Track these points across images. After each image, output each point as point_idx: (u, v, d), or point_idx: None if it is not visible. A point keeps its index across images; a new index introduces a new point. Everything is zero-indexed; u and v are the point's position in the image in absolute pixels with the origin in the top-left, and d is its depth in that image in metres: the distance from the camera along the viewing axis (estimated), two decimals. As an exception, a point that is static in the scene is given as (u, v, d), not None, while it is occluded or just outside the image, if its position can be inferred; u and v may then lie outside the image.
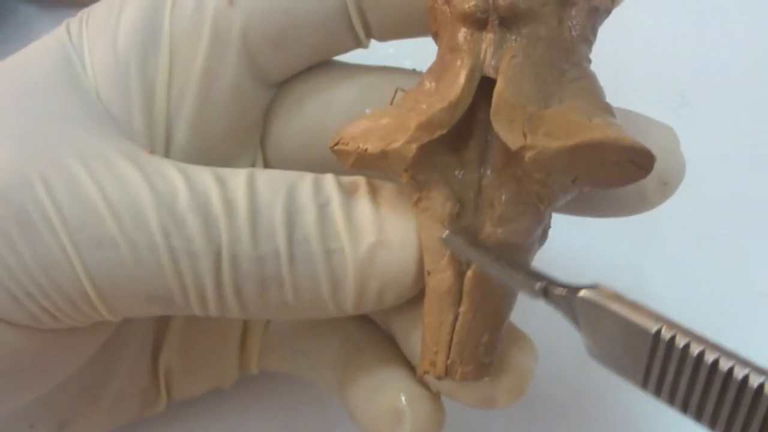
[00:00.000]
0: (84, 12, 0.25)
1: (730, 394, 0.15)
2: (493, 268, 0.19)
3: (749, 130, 0.39)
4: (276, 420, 0.32)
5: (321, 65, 0.25)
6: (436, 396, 0.24)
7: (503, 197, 0.20)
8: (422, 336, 0.21)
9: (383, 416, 0.24)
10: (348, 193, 0.22)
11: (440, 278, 0.21)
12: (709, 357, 0.15)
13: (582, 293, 0.17)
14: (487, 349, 0.21)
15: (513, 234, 0.20)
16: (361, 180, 0.22)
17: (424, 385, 0.24)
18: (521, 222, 0.20)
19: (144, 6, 0.24)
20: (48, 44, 0.24)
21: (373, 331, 0.26)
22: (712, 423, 0.16)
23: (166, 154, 0.24)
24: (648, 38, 0.41)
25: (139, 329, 0.28)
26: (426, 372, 0.21)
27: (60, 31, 0.25)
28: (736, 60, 0.40)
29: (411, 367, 0.25)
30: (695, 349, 0.16)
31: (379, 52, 0.27)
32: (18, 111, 0.22)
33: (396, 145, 0.20)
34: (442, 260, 0.20)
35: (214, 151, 0.25)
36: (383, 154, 0.20)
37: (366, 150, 0.20)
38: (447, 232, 0.20)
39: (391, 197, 0.22)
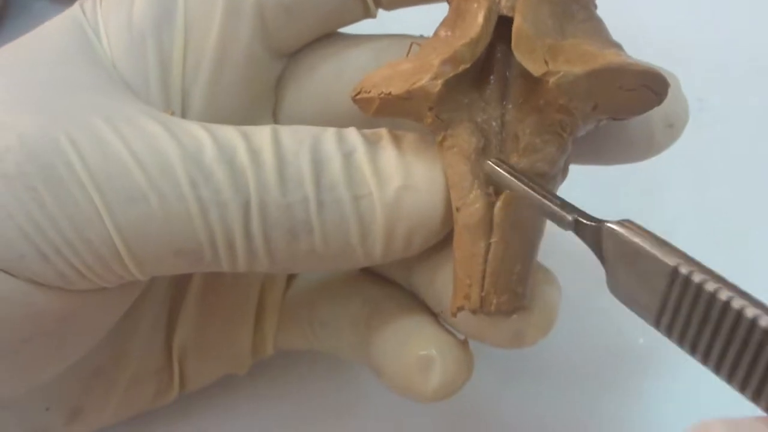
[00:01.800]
0: None
1: (739, 335, 0.15)
2: (531, 197, 0.20)
3: (767, 135, 0.39)
4: (288, 412, 0.32)
5: (330, 35, 0.26)
6: (464, 343, 0.24)
7: (527, 129, 0.21)
8: (454, 273, 0.22)
9: (413, 365, 0.24)
10: (371, 142, 0.22)
11: (470, 212, 0.21)
12: (722, 295, 0.15)
13: (609, 224, 0.18)
14: (520, 278, 0.21)
15: (539, 163, 0.21)
16: (383, 130, 0.23)
17: (452, 333, 0.24)
18: (546, 151, 0.21)
19: None
20: (63, 21, 0.25)
21: (392, 288, 0.27)
22: (718, 366, 0.16)
23: None
24: (666, 43, 0.40)
25: (153, 308, 0.27)
26: (460, 308, 0.22)
27: (74, 9, 0.25)
28: (755, 65, 0.41)
29: (435, 317, 0.25)
30: (709, 287, 0.16)
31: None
32: (39, 79, 0.23)
33: (421, 82, 0.21)
34: (470, 194, 0.21)
35: (227, 121, 0.25)
36: (408, 95, 0.21)
37: (390, 93, 0.21)
38: (490, 160, 0.21)
39: (414, 143, 0.22)
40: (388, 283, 0.27)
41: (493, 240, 0.21)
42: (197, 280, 0.28)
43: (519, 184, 0.20)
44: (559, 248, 0.27)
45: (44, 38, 0.24)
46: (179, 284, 0.28)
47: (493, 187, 0.21)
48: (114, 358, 0.27)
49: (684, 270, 0.16)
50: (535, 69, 0.20)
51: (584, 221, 0.19)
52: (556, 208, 0.19)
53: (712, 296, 0.16)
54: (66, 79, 0.23)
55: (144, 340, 0.27)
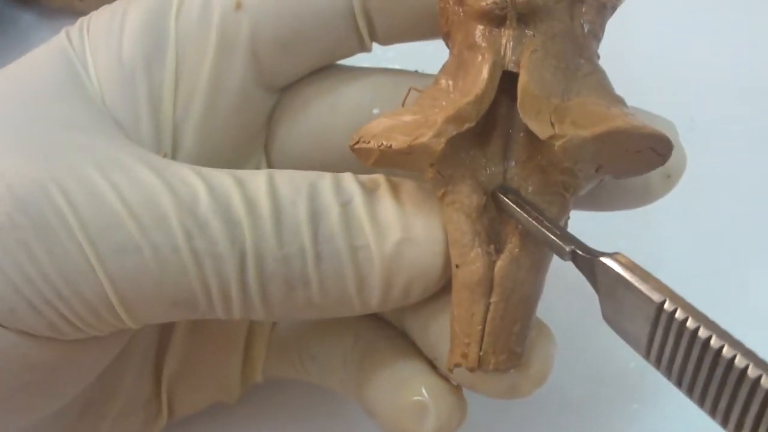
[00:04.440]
0: (83, 20, 0.25)
1: (719, 372, 0.16)
2: (533, 228, 0.20)
3: (758, 155, 0.39)
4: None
5: (325, 69, 0.25)
6: (457, 388, 0.24)
7: (530, 188, 0.21)
8: (451, 329, 0.22)
9: (406, 411, 0.24)
10: (369, 190, 0.22)
11: (470, 270, 0.21)
12: (703, 334, 0.16)
13: (601, 258, 0.18)
14: (518, 337, 0.21)
15: None
16: (380, 177, 0.22)
17: (445, 378, 0.24)
18: (549, 211, 0.21)
19: (148, 12, 0.23)
20: (49, 52, 0.24)
21: (385, 328, 0.26)
22: (701, 400, 0.17)
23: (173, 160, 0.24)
24: (658, 62, 0.41)
25: (143, 342, 0.27)
26: (457, 365, 0.21)
27: (60, 39, 0.24)
28: (747, 84, 0.40)
29: (428, 361, 0.25)
30: (692, 325, 0.16)
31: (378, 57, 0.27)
32: (27, 119, 0.22)
33: (423, 139, 0.20)
34: (471, 252, 0.21)
35: (219, 156, 0.25)
36: (409, 149, 0.20)
37: (390, 146, 0.21)
38: (498, 187, 0.21)
39: (413, 193, 0.22)
40: (380, 321, 0.27)
41: (493, 300, 0.21)
42: None
43: (522, 213, 0.20)
44: (551, 274, 0.27)
45: (32, 71, 0.23)
46: None
47: (494, 246, 0.21)
48: (103, 393, 0.26)
49: (669, 306, 0.17)
50: (542, 131, 0.20)
51: (581, 253, 0.19)
52: (555, 239, 0.20)
53: (694, 333, 0.16)
54: (55, 117, 0.22)
55: (133, 374, 0.27)
